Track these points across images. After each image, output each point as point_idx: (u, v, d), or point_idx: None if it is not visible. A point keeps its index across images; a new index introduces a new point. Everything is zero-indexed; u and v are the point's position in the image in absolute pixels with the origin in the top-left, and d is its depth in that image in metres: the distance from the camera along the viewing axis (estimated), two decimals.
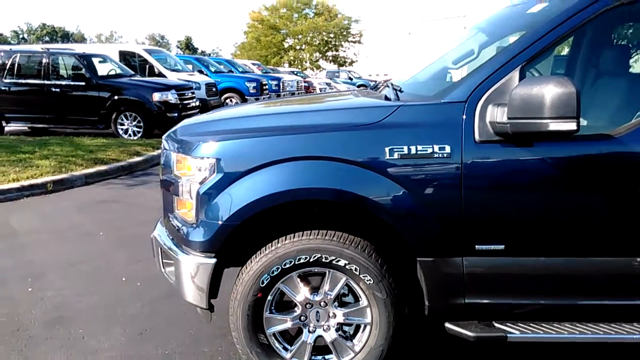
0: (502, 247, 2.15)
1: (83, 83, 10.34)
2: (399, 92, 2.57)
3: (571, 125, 1.86)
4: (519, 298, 2.23)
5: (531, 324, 2.22)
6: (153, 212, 5.11)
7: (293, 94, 18.49)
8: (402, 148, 2.12)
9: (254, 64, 22.88)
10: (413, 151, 2.11)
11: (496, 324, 2.23)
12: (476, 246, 2.15)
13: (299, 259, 2.21)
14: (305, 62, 43.84)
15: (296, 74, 25.53)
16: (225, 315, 2.57)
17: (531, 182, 2.10)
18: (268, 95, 16.24)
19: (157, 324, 3.03)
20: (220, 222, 2.22)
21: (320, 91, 22.78)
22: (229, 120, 2.62)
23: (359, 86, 25.20)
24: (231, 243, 2.29)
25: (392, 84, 2.83)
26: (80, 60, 10.57)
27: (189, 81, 12.51)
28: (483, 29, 3.06)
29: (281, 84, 17.71)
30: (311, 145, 2.19)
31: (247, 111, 2.85)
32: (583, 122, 2.90)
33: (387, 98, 2.55)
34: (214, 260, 2.27)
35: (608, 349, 2.70)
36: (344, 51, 45.06)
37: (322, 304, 2.30)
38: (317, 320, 2.31)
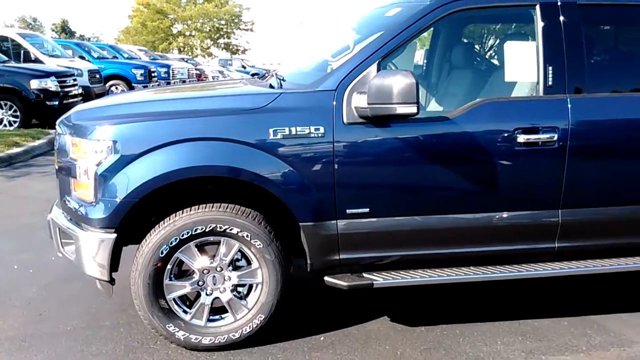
0: (367, 210, 2.60)
1: None
2: (282, 81, 2.93)
3: (412, 109, 2.34)
4: (383, 251, 2.70)
5: (393, 272, 2.71)
6: (39, 203, 5.01)
7: (184, 81, 18.10)
8: (284, 129, 2.47)
9: (140, 50, 21.92)
10: (293, 132, 2.48)
11: (365, 275, 2.68)
12: (347, 210, 2.58)
13: (196, 230, 2.48)
14: (196, 49, 42.70)
15: (187, 61, 24.89)
16: (124, 292, 2.77)
17: (388, 155, 2.56)
18: (157, 83, 15.79)
19: (56, 305, 3.12)
20: (119, 200, 2.42)
21: (213, 79, 22.52)
22: (123, 106, 2.81)
23: (253, 75, 25.20)
24: (130, 219, 2.50)
25: (276, 74, 3.18)
26: None
27: (69, 67, 11.81)
28: (354, 27, 3.50)
29: (171, 71, 17.26)
30: (204, 128, 2.48)
31: (142, 97, 3.03)
32: (439, 107, 3.49)
33: (271, 86, 2.89)
34: (114, 235, 2.47)
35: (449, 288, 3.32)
36: (236, 39, 44.59)
37: (218, 269, 2.59)
38: (214, 284, 2.60)
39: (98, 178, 2.45)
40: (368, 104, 2.43)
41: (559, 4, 2.69)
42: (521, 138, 2.58)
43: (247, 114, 2.51)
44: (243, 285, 2.66)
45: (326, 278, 2.68)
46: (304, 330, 2.85)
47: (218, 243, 2.57)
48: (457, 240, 2.73)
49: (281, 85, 2.86)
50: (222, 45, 43.99)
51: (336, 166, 2.52)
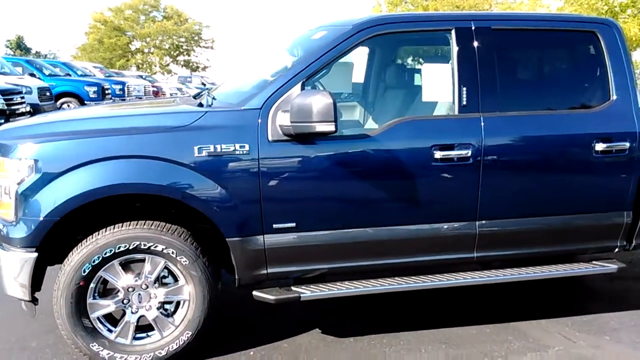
0: (293, 224, 2.67)
1: None
2: (213, 100, 2.99)
3: (331, 127, 2.45)
4: (310, 265, 2.77)
5: (320, 285, 2.78)
6: None
7: (140, 99, 17.88)
8: (209, 147, 2.53)
9: (95, 67, 21.54)
10: (218, 149, 2.54)
11: (293, 288, 2.75)
12: (273, 225, 2.64)
13: (119, 248, 2.49)
14: (155, 66, 42.24)
15: (144, 78, 24.61)
16: (51, 312, 2.72)
17: (312, 171, 2.65)
18: (111, 100, 15.56)
19: None
20: (40, 219, 2.41)
21: (171, 96, 22.33)
22: (48, 124, 2.80)
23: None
24: (52, 238, 2.49)
25: (208, 93, 3.24)
26: None
27: (17, 85, 11.52)
28: (288, 48, 3.61)
29: (126, 88, 17.05)
30: (127, 145, 2.50)
31: (68, 115, 3.03)
32: (375, 125, 3.62)
33: (201, 105, 2.95)
34: (35, 255, 2.45)
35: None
36: (196, 56, 44.41)
37: (143, 286, 2.59)
38: (140, 302, 2.60)
39: (19, 197, 2.43)
40: (290, 122, 2.52)
41: (473, 28, 2.87)
42: (438, 154, 2.72)
43: (172, 132, 2.55)
44: (170, 303, 2.66)
45: (254, 292, 2.72)
46: (234, 345, 2.87)
47: (143, 260, 2.57)
48: (381, 252, 2.82)
49: (211, 104, 2.92)
50: (182, 63, 43.70)
51: (261, 182, 2.58)
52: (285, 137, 2.59)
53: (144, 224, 2.54)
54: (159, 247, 2.52)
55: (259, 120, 2.60)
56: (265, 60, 3.77)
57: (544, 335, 3.05)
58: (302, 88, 2.64)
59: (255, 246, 2.64)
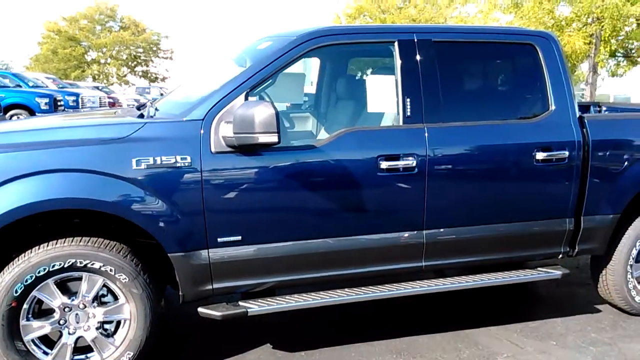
0: (239, 237, 2.61)
1: None
2: (155, 111, 2.91)
3: (274, 138, 2.41)
4: (258, 278, 2.71)
5: (269, 299, 2.73)
6: None
7: (95, 110, 17.39)
8: (148, 159, 2.45)
9: (48, 78, 20.84)
10: (158, 161, 2.47)
11: (241, 303, 2.68)
12: (218, 239, 2.58)
13: (54, 266, 2.37)
14: (112, 76, 41.20)
15: (100, 89, 23.98)
16: None
17: (257, 183, 2.61)
18: (64, 112, 15.04)
19: None
20: None
21: (128, 107, 21.83)
22: None
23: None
24: None
25: (151, 104, 3.16)
26: None
27: None
28: (234, 58, 3.57)
29: (80, 99, 16.51)
30: (62, 159, 2.40)
31: (3, 128, 2.89)
32: (325, 135, 3.60)
33: (142, 116, 2.87)
34: None
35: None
36: (155, 67, 43.62)
37: (81, 306, 2.48)
38: (77, 322, 2.48)
39: None
40: (234, 133, 2.48)
41: (415, 40, 2.90)
42: (384, 165, 2.72)
43: (108, 144, 2.47)
44: (110, 322, 2.56)
45: (199, 309, 2.64)
46: None
47: (81, 279, 2.46)
48: (328, 263, 2.79)
49: (153, 115, 2.84)
50: (140, 73, 42.83)
51: (205, 195, 2.52)
52: (229, 149, 2.55)
53: (80, 241, 2.44)
54: (97, 265, 2.42)
55: (202, 132, 2.54)
56: (211, 71, 3.71)
57: (493, 342, 3.09)
58: (246, 99, 2.60)
59: (199, 261, 2.57)
